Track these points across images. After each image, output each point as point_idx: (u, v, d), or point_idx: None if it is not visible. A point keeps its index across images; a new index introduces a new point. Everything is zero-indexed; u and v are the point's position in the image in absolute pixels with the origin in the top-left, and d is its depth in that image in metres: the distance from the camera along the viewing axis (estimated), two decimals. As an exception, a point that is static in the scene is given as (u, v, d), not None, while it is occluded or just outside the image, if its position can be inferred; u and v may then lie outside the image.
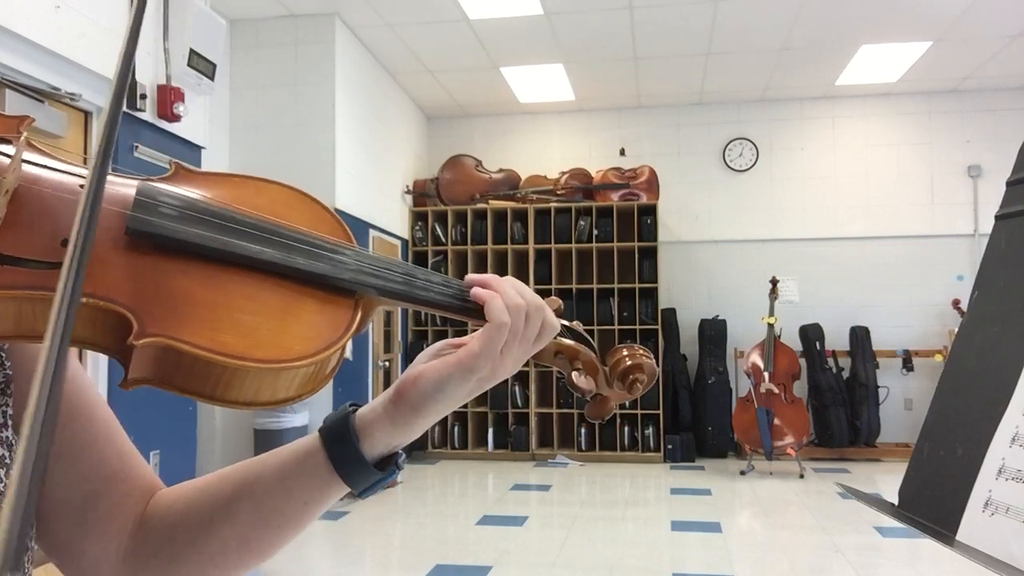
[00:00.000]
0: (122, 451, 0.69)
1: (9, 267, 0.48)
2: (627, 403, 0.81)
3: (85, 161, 0.53)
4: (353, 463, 0.60)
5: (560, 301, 0.66)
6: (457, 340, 0.63)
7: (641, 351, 0.70)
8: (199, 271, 0.54)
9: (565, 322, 0.68)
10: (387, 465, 0.61)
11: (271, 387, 0.54)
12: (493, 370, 0.59)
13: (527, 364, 0.70)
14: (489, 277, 0.62)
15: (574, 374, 0.68)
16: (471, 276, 0.62)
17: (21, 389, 0.62)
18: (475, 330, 0.62)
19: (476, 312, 0.61)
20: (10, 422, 0.60)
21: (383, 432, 0.60)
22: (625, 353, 0.70)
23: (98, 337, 0.51)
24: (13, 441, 0.60)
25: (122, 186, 0.55)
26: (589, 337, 0.70)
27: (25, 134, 0.54)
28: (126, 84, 0.49)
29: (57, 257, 0.49)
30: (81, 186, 0.53)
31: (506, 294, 0.60)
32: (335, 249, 0.59)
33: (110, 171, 0.55)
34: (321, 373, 0.56)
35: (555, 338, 0.66)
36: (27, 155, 0.54)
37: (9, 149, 0.53)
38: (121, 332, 0.50)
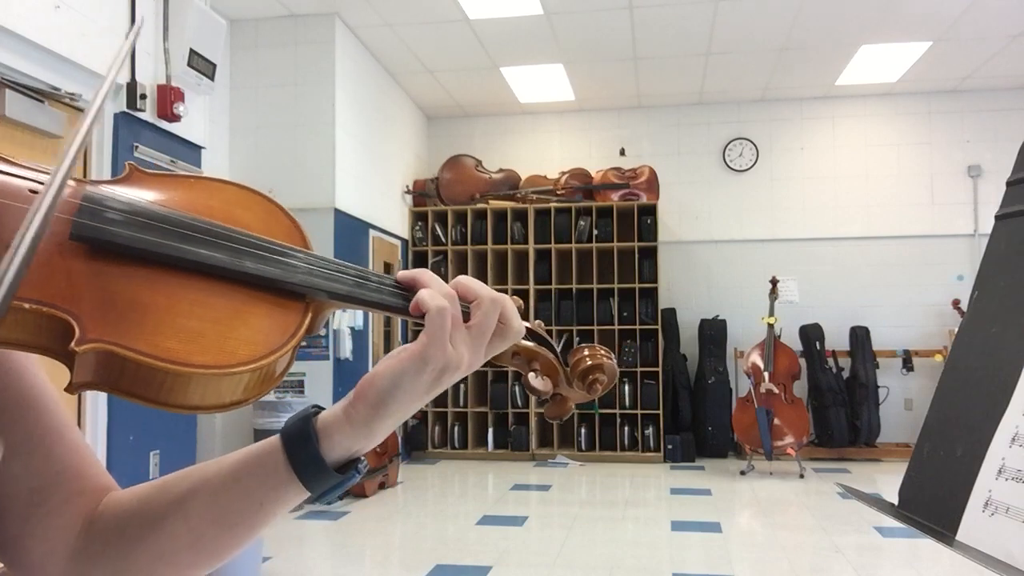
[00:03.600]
0: (73, 448, 0.68)
1: None
2: (586, 404, 0.80)
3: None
4: (311, 464, 0.59)
5: (520, 300, 0.66)
6: (409, 344, 0.63)
7: (602, 351, 0.69)
8: (145, 276, 0.54)
9: (526, 323, 0.68)
10: (347, 469, 0.60)
11: (216, 392, 0.54)
12: (447, 361, 0.58)
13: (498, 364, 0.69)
14: (417, 271, 0.61)
15: (531, 375, 0.67)
16: (401, 273, 0.62)
17: None
18: None
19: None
20: None
21: (342, 434, 0.59)
22: (586, 353, 0.69)
23: (42, 341, 0.52)
24: None
25: (69, 191, 0.55)
26: (549, 338, 0.69)
27: None
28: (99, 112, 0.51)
29: None
30: (32, 191, 0.53)
31: (434, 283, 0.60)
32: (285, 252, 0.59)
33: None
34: (270, 376, 0.56)
35: None
36: None
37: None
38: (64, 337, 0.50)
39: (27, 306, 0.50)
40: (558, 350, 0.69)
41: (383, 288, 0.61)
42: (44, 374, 0.68)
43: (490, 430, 7.67)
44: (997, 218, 0.86)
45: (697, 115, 8.27)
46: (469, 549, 4.63)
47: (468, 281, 0.62)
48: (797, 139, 8.15)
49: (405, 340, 7.60)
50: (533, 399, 7.54)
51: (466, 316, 0.60)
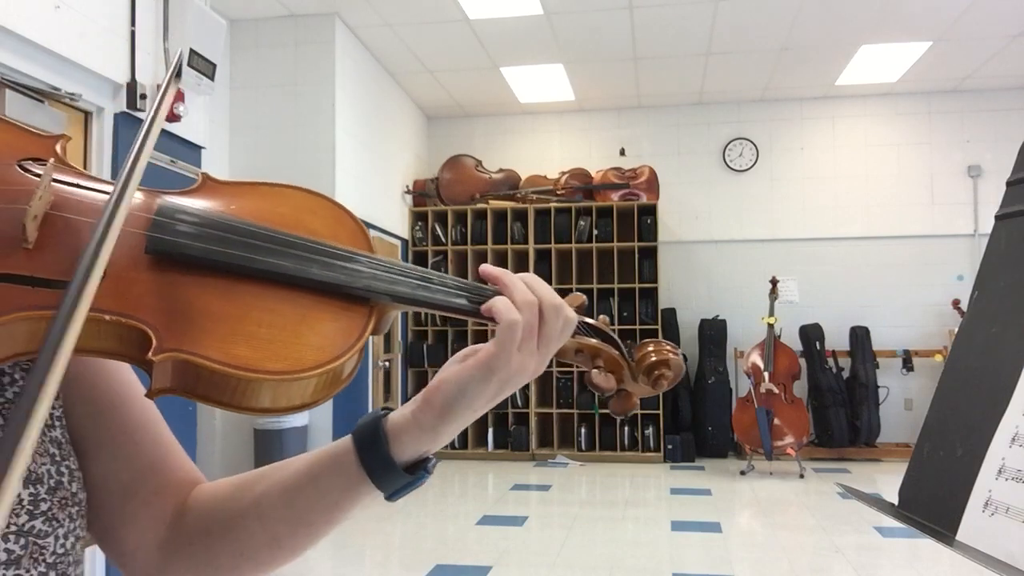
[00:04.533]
0: (160, 442, 0.71)
1: (41, 288, 0.52)
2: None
3: (114, 175, 0.57)
4: (382, 466, 0.62)
5: (583, 297, 0.67)
6: (478, 346, 0.63)
7: (668, 347, 0.70)
8: (216, 285, 0.57)
9: (589, 319, 0.69)
10: (416, 469, 0.63)
11: (286, 395, 0.56)
12: (514, 370, 0.59)
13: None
14: (500, 273, 0.62)
15: (594, 372, 0.68)
16: (484, 267, 0.63)
17: (70, 392, 0.66)
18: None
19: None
20: (57, 424, 0.63)
21: (411, 437, 0.62)
22: (651, 348, 0.70)
23: (123, 349, 0.55)
24: (63, 440, 0.63)
25: (144, 206, 0.58)
26: (613, 334, 0.70)
27: (52, 160, 0.58)
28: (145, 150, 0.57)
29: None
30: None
31: (515, 290, 0.60)
32: (350, 257, 0.61)
33: (139, 187, 0.59)
34: (338, 379, 0.58)
35: (575, 336, 0.66)
36: (57, 175, 0.57)
37: (40, 169, 0.57)
38: (142, 346, 0.53)
39: (107, 317, 0.53)
40: (623, 346, 0.70)
41: (447, 289, 0.62)
42: (131, 373, 0.71)
43: (490, 430, 7.67)
44: (997, 218, 0.86)
45: (697, 115, 8.27)
46: (469, 549, 4.63)
47: (545, 291, 0.62)
48: (797, 139, 8.15)
49: (405, 340, 7.60)
50: (534, 399, 7.56)
51: (540, 324, 0.61)
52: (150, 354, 0.52)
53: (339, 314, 0.59)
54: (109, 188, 0.58)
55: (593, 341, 0.69)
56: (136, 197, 0.58)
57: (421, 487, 0.66)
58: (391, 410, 0.64)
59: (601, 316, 0.71)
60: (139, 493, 0.68)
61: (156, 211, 0.58)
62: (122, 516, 0.68)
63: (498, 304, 0.59)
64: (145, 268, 0.56)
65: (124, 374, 0.71)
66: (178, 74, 0.64)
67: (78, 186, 0.58)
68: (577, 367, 0.69)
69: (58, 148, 0.60)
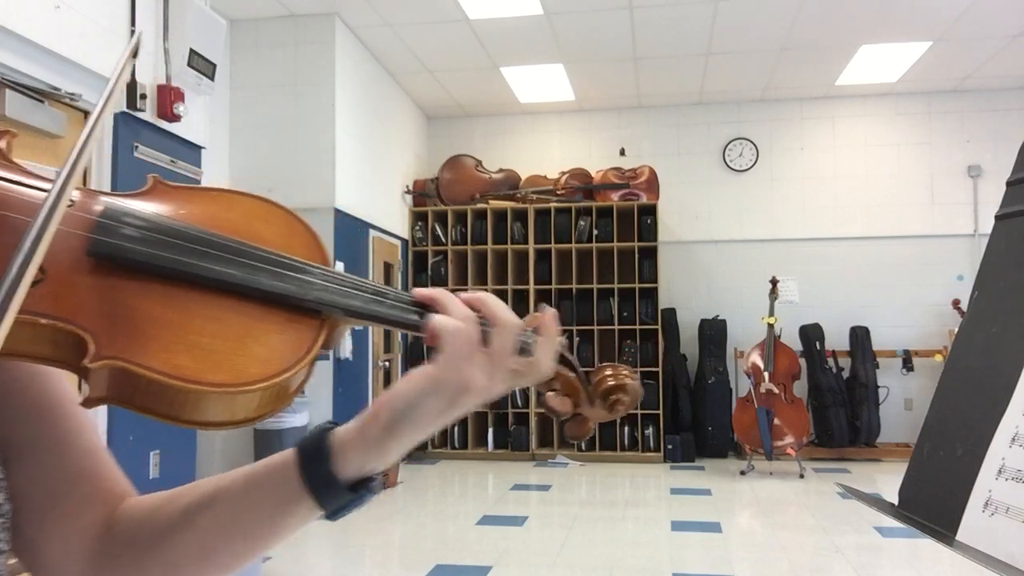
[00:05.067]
0: (91, 451, 0.69)
1: None
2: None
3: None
4: (324, 481, 0.59)
5: (565, 341, 0.64)
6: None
7: (625, 371, 0.68)
8: (161, 292, 0.55)
9: None
10: (360, 488, 0.59)
11: (228, 409, 0.54)
12: (461, 384, 0.57)
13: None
14: (433, 292, 0.60)
15: (549, 395, 0.66)
16: (417, 290, 0.61)
17: None
18: None
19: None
20: None
21: (356, 452, 0.58)
22: (609, 372, 0.68)
23: (58, 355, 0.52)
24: None
25: (88, 207, 0.56)
26: (572, 357, 0.67)
27: None
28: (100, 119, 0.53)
29: None
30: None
31: (451, 306, 0.59)
32: (302, 268, 0.58)
33: (81, 188, 0.57)
34: (284, 392, 0.56)
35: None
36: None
37: None
38: (79, 352, 0.51)
39: (43, 321, 0.50)
40: (580, 370, 0.67)
41: (401, 305, 0.60)
42: (65, 380, 0.68)
43: (490, 430, 7.67)
44: (997, 218, 0.86)
45: (697, 115, 8.27)
46: (469, 549, 4.63)
47: (492, 303, 0.60)
48: (797, 139, 8.15)
49: (405, 340, 7.60)
50: (534, 399, 7.55)
51: (486, 338, 0.59)
52: (86, 360, 0.50)
53: (288, 326, 0.56)
54: (49, 185, 0.55)
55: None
56: (81, 198, 0.56)
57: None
58: (337, 424, 0.62)
59: (559, 339, 0.68)
60: (65, 502, 0.65)
61: (101, 213, 0.56)
62: (46, 526, 0.65)
63: (435, 318, 0.58)
64: (86, 272, 0.53)
65: (58, 380, 0.68)
66: (134, 54, 0.61)
67: (19, 183, 0.55)
68: (533, 388, 0.67)
69: (3, 144, 0.57)
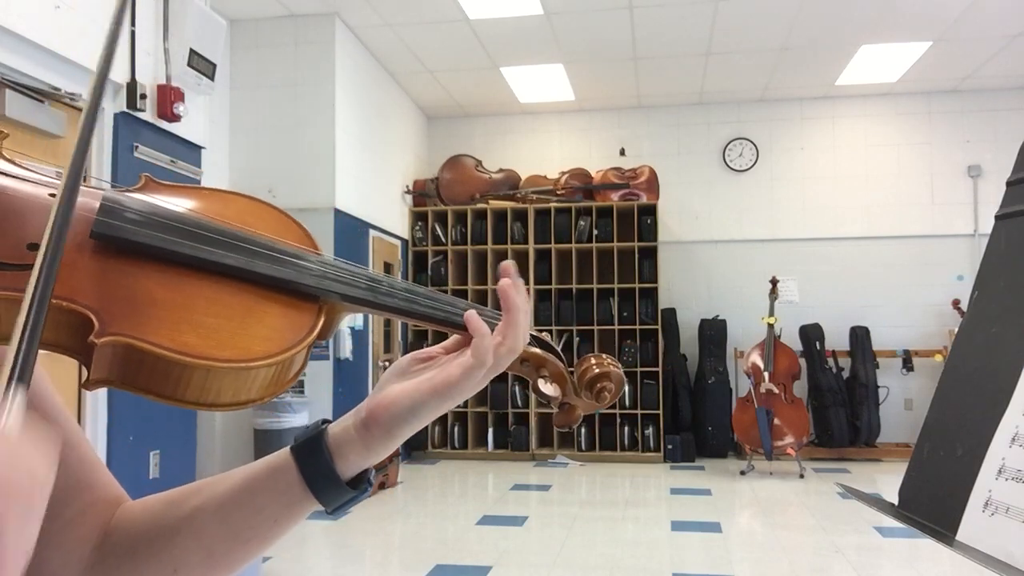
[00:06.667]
0: (86, 459, 0.68)
1: (7, 271, 0.50)
2: (598, 412, 0.79)
3: (58, 175, 0.55)
4: (327, 482, 0.60)
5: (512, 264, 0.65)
6: (423, 353, 0.63)
7: (609, 360, 0.69)
8: (162, 275, 0.56)
9: (533, 332, 0.68)
10: (359, 483, 0.62)
11: (232, 388, 0.55)
12: (472, 391, 0.60)
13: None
14: (482, 327, 0.61)
15: (540, 381, 0.68)
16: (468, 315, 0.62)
17: None
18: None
19: (448, 323, 0.62)
20: None
21: (357, 455, 0.61)
22: (593, 362, 0.69)
23: (61, 338, 0.53)
24: None
25: (89, 194, 0.57)
26: (556, 347, 0.70)
27: None
28: (99, 101, 0.54)
29: (24, 260, 0.51)
30: (52, 195, 0.55)
31: (499, 336, 0.60)
32: (299, 255, 0.60)
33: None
34: (284, 376, 0.57)
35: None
36: None
37: None
38: (83, 332, 0.52)
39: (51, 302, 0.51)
40: (563, 358, 0.69)
41: (395, 294, 0.62)
42: (53, 388, 0.68)
43: (490, 430, 7.67)
44: (997, 218, 0.86)
45: (697, 115, 8.27)
46: (469, 549, 4.63)
47: (522, 318, 0.62)
48: (797, 139, 8.15)
49: (405, 340, 7.60)
50: (534, 399, 7.55)
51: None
52: (92, 337, 0.51)
53: (287, 310, 0.58)
54: (47, 178, 0.57)
55: (538, 351, 0.68)
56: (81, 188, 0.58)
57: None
58: (329, 422, 0.63)
59: (542, 332, 0.70)
60: (63, 513, 0.65)
61: (103, 198, 0.57)
62: (48, 537, 0.63)
63: (483, 344, 0.59)
64: (89, 254, 0.55)
65: (52, 393, 0.67)
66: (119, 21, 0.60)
67: (16, 176, 0.56)
68: (522, 376, 0.68)
69: None
